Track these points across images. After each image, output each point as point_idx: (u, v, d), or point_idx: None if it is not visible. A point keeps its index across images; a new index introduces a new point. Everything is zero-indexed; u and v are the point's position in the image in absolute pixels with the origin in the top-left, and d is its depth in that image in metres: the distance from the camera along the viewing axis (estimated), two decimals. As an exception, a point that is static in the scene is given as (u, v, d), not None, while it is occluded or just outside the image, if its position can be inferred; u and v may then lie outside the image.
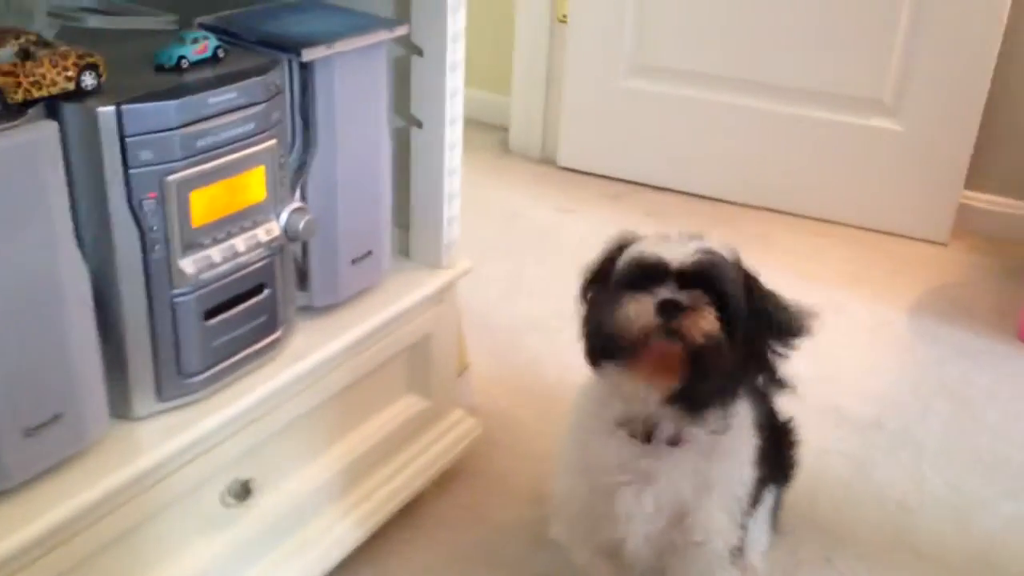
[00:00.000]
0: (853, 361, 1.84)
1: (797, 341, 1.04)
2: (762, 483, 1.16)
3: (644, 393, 1.01)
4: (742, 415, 1.07)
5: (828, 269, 2.19)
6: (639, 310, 0.97)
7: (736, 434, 1.07)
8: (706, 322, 0.95)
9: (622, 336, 0.98)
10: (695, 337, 0.95)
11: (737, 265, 1.03)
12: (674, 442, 1.05)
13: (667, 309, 0.96)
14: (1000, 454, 1.59)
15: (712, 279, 0.98)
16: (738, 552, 1.13)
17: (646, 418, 1.04)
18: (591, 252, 2.14)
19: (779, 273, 2.21)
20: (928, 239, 2.33)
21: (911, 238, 2.34)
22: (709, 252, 1.00)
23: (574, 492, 1.13)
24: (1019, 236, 2.27)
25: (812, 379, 1.74)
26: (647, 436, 1.05)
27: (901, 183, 2.32)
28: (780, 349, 1.03)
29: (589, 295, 1.08)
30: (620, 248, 1.06)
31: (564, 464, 1.16)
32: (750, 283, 1.03)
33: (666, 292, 0.97)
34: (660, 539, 1.09)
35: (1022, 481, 1.53)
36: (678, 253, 0.99)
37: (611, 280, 1.02)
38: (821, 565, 1.35)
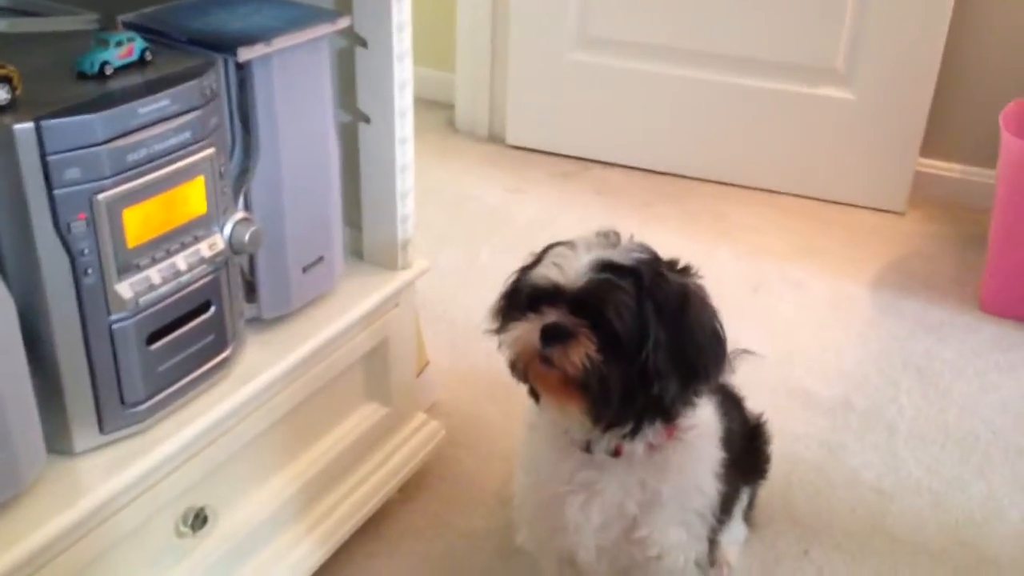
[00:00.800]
0: (815, 339, 1.82)
1: (710, 377, 0.98)
2: (733, 491, 1.13)
3: (557, 412, 0.98)
4: (702, 427, 1.03)
5: (783, 243, 2.16)
6: (522, 335, 0.95)
7: (690, 448, 1.02)
8: (577, 353, 0.92)
9: (511, 361, 0.97)
10: (565, 366, 0.92)
11: (648, 276, 0.94)
12: (616, 454, 1.01)
13: (550, 335, 0.93)
14: (969, 430, 1.58)
15: (599, 303, 0.93)
16: (705, 563, 1.10)
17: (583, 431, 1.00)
18: (543, 234, 2.08)
19: (732, 248, 2.19)
20: (885, 208, 2.31)
21: (868, 208, 2.32)
22: (606, 269, 0.93)
23: (527, 499, 1.10)
24: (977, 203, 2.26)
25: (775, 360, 1.73)
26: (587, 447, 1.01)
27: (856, 152, 2.30)
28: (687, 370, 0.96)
29: (501, 318, 1.03)
30: (539, 257, 1.01)
31: (520, 470, 1.12)
32: (657, 295, 0.94)
33: (553, 316, 0.94)
34: (616, 552, 1.06)
35: (991, 458, 1.52)
36: (572, 273, 0.94)
37: (517, 301, 0.99)
38: (799, 558, 1.32)
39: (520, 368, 0.97)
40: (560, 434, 1.03)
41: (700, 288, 0.98)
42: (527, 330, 0.94)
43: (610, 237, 0.99)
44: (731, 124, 2.40)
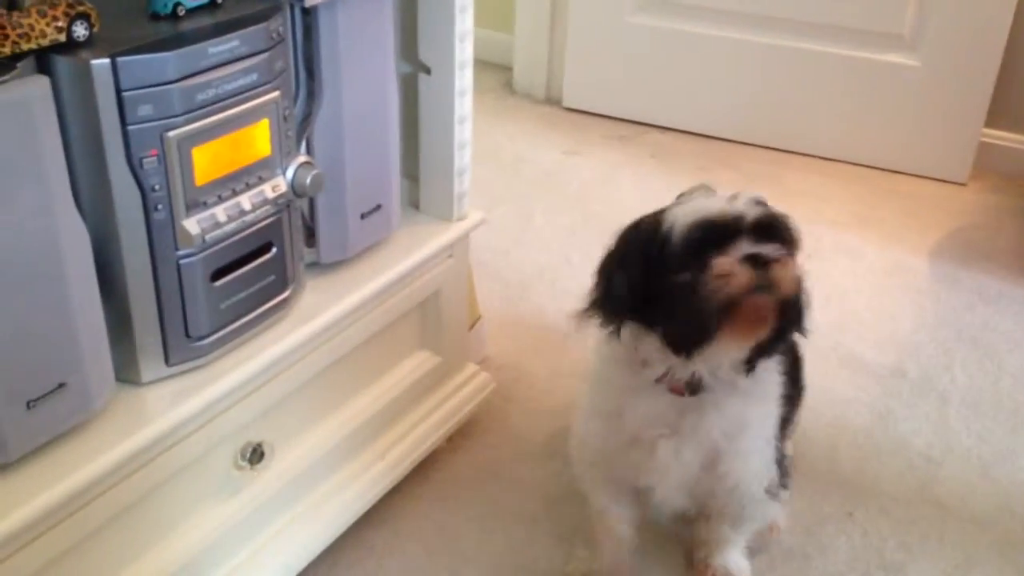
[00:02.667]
0: (870, 307, 1.80)
1: None
2: (787, 414, 1.15)
3: (724, 352, 0.97)
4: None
5: (841, 211, 2.14)
6: (732, 267, 0.93)
7: (764, 375, 1.05)
8: (794, 272, 0.94)
9: (717, 297, 0.92)
10: (788, 288, 0.93)
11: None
12: (710, 391, 1.02)
13: (756, 263, 0.93)
14: (1023, 402, 1.56)
15: (781, 230, 0.96)
16: (776, 489, 1.12)
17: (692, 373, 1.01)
18: (597, 196, 2.08)
19: (789, 214, 2.17)
20: (946, 179, 2.27)
21: (929, 178, 2.29)
22: (764, 203, 0.97)
23: (597, 441, 1.11)
24: (1039, 175, 2.22)
25: (829, 326, 1.72)
26: (693, 389, 1.02)
27: (919, 121, 2.26)
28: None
29: (629, 283, 1.00)
30: (650, 224, 1.00)
31: (589, 412, 1.12)
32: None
33: (747, 247, 0.93)
34: (694, 486, 1.08)
35: (1045, 429, 1.51)
36: (742, 207, 0.95)
37: (661, 255, 0.96)
38: (844, 520, 1.33)
39: (725, 305, 0.92)
40: (648, 383, 1.03)
41: None
42: (735, 263, 0.92)
43: (708, 189, 1.02)
44: (791, 89, 2.37)
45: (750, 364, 1.00)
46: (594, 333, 1.07)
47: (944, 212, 2.15)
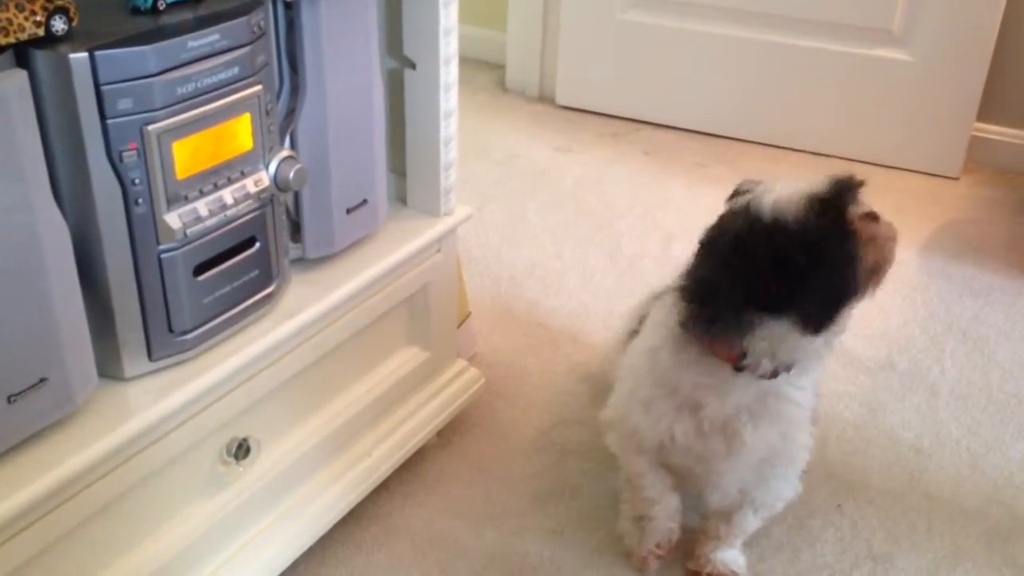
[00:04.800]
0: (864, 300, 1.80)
1: None
2: None
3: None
4: None
5: (835, 206, 2.14)
6: (880, 223, 1.00)
7: (819, 366, 1.10)
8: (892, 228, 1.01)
9: (885, 253, 1.00)
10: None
11: None
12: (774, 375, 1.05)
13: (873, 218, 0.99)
14: (1012, 393, 1.56)
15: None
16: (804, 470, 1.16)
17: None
18: (590, 193, 2.09)
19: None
20: (938, 173, 2.27)
21: (921, 173, 2.29)
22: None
23: (652, 429, 1.11)
24: (1030, 169, 2.22)
25: (821, 320, 1.72)
26: (774, 372, 1.04)
27: (910, 116, 2.26)
28: None
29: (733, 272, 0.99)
30: (743, 211, 1.01)
31: (637, 391, 1.12)
32: None
33: (857, 209, 0.99)
34: (751, 473, 1.12)
35: (1035, 421, 1.51)
36: (836, 179, 1.00)
37: (783, 238, 0.96)
38: (832, 512, 1.33)
39: (882, 261, 1.00)
40: (699, 356, 1.05)
41: None
42: (877, 220, 0.99)
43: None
44: (784, 85, 2.37)
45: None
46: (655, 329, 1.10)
47: (936, 206, 2.15)
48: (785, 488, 1.16)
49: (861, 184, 1.00)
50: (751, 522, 1.19)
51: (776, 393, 1.06)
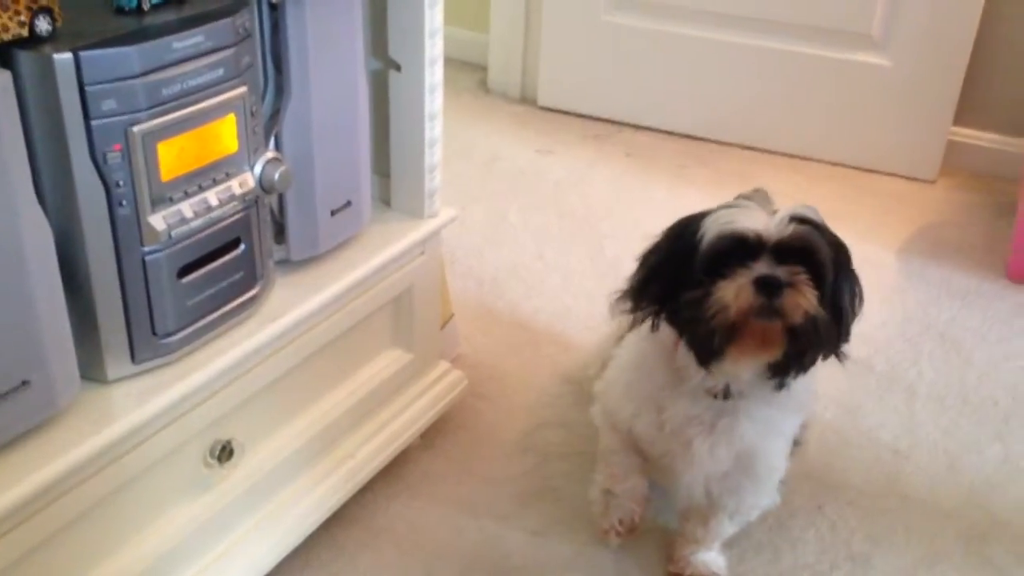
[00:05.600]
0: (841, 303, 1.82)
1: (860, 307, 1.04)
2: None
3: (735, 369, 0.99)
4: None
5: (814, 209, 2.15)
6: (738, 290, 0.93)
7: (801, 387, 1.07)
8: (806, 300, 0.94)
9: (719, 318, 0.94)
10: (795, 317, 0.93)
11: (827, 231, 0.99)
12: (743, 398, 1.05)
13: (766, 286, 0.93)
14: (989, 395, 1.58)
15: (809, 253, 0.95)
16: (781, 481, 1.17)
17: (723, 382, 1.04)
18: (572, 194, 2.10)
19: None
20: (915, 177, 2.30)
21: (898, 176, 2.31)
22: (803, 221, 0.96)
23: (630, 420, 1.13)
24: (1008, 172, 2.24)
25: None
26: (727, 395, 1.05)
27: (888, 120, 2.28)
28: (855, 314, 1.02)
29: (661, 279, 1.02)
30: (690, 224, 1.00)
31: (625, 393, 1.14)
32: (838, 247, 1.00)
33: (763, 268, 0.94)
34: (721, 480, 1.12)
35: (1010, 422, 1.52)
36: (772, 225, 0.95)
37: (692, 258, 0.97)
38: (813, 513, 1.34)
39: (729, 326, 0.94)
40: (682, 378, 1.06)
41: None
42: (743, 286, 0.93)
43: (764, 197, 1.02)
44: (763, 89, 2.39)
45: (777, 381, 1.01)
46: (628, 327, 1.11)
47: (913, 209, 2.18)
48: (758, 499, 1.16)
49: (773, 247, 0.95)
50: (727, 527, 1.20)
51: (735, 413, 1.06)
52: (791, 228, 0.95)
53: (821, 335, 0.96)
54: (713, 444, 1.07)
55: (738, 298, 0.93)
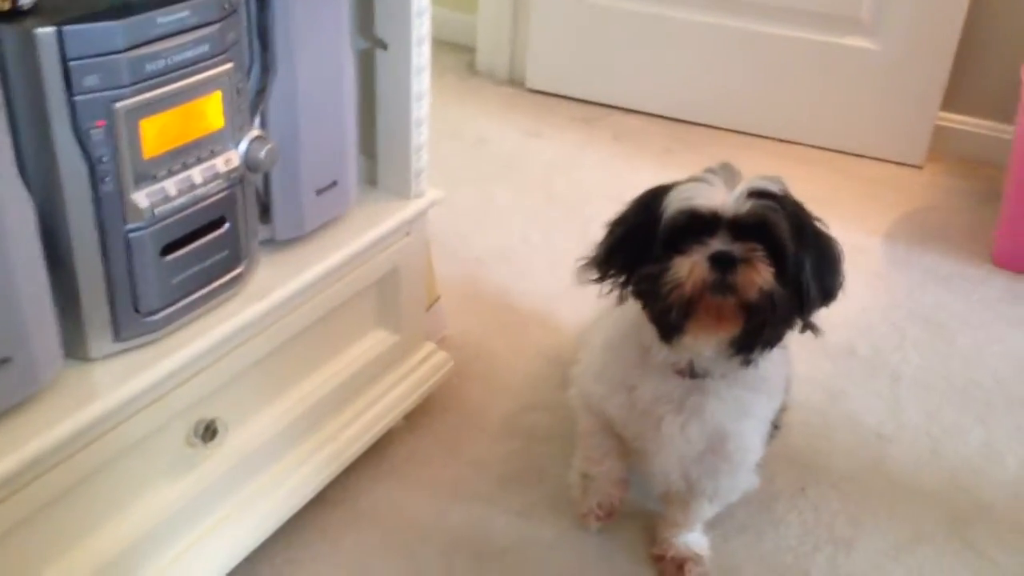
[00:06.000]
0: (827, 287, 1.82)
1: (835, 298, 1.03)
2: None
3: (695, 345, 0.99)
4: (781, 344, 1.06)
5: (800, 193, 2.14)
6: (692, 266, 0.94)
7: (774, 363, 1.07)
8: (760, 277, 0.93)
9: (675, 294, 0.95)
10: (749, 293, 0.93)
11: (790, 203, 0.99)
12: (718, 375, 1.05)
13: (720, 263, 0.93)
14: (972, 379, 1.59)
15: (766, 228, 0.95)
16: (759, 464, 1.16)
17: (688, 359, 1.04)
18: (560, 178, 2.09)
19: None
20: (903, 162, 2.30)
21: (885, 161, 2.31)
22: (762, 195, 0.96)
23: (604, 400, 1.13)
24: (995, 158, 2.25)
25: (786, 306, 1.74)
26: (693, 373, 1.04)
27: (876, 104, 2.29)
28: (824, 291, 1.01)
29: (626, 249, 1.03)
30: (655, 197, 1.01)
31: (599, 373, 1.14)
32: (801, 220, 0.99)
33: (718, 244, 0.94)
34: (695, 462, 1.11)
35: (993, 406, 1.53)
36: (730, 201, 0.95)
37: (655, 231, 0.98)
38: (796, 496, 1.34)
39: (685, 302, 0.95)
40: (655, 362, 1.06)
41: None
42: (698, 262, 0.94)
43: (729, 171, 1.00)
44: (752, 73, 2.38)
45: (741, 358, 1.00)
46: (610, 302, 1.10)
47: (900, 194, 2.18)
48: (734, 482, 1.16)
49: (730, 222, 0.95)
50: (707, 510, 1.20)
51: (704, 391, 1.06)
52: (749, 204, 0.95)
53: (778, 311, 0.95)
54: (683, 423, 1.07)
55: (692, 274, 0.94)
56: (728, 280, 0.93)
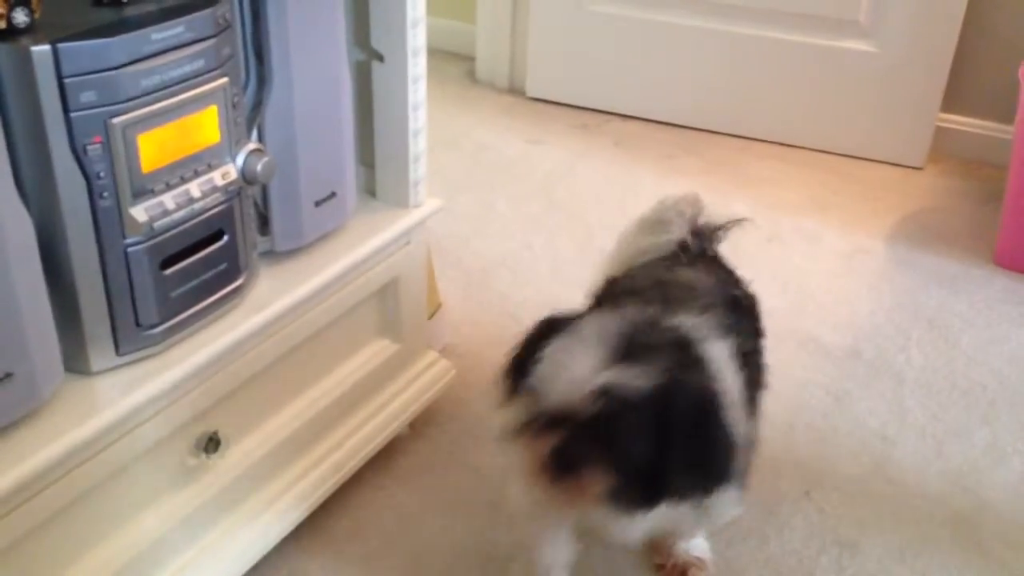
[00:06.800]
0: (828, 290, 1.82)
1: (730, 478, 0.95)
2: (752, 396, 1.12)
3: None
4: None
5: (800, 196, 2.16)
6: (533, 455, 0.90)
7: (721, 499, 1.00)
8: (590, 488, 0.89)
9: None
10: (578, 497, 0.90)
11: (652, 400, 0.88)
12: None
13: (560, 462, 0.88)
14: (977, 380, 1.59)
15: (612, 437, 0.88)
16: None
17: None
18: (561, 185, 2.09)
19: (749, 200, 2.19)
20: (903, 163, 2.30)
21: (886, 163, 2.31)
22: (618, 390, 0.87)
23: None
24: (996, 159, 2.24)
25: (786, 309, 1.74)
26: None
27: (876, 106, 2.29)
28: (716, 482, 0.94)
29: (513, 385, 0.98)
30: (537, 342, 0.95)
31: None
32: (668, 417, 0.89)
33: (559, 437, 0.89)
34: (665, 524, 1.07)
35: (997, 407, 1.53)
36: (579, 391, 0.87)
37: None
38: (800, 499, 1.34)
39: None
40: None
41: (715, 393, 0.93)
42: (534, 457, 0.89)
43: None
44: (751, 77, 2.39)
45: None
46: None
47: (901, 196, 2.18)
48: (711, 527, 1.11)
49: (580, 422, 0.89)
50: (697, 535, 1.19)
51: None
52: (599, 404, 0.87)
53: (625, 496, 0.90)
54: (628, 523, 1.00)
55: (531, 461, 0.90)
56: (557, 483, 0.89)
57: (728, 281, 1.22)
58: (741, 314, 1.16)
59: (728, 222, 1.26)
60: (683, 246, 1.21)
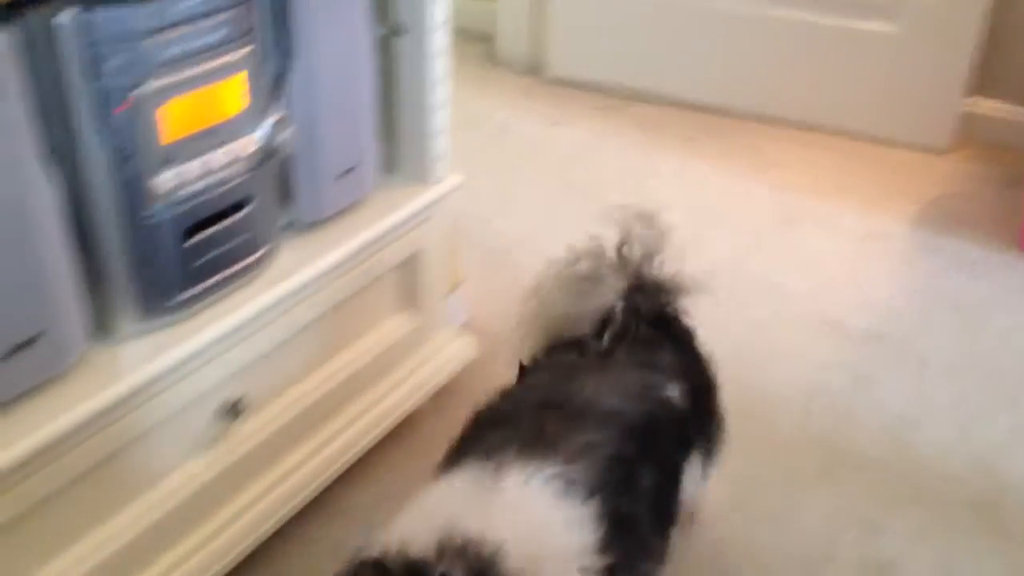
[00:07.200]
0: (850, 273, 1.81)
1: None
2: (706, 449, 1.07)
3: None
4: None
5: (822, 180, 2.15)
6: None
7: None
8: None
9: None
10: None
11: None
12: None
13: None
14: (1000, 364, 1.57)
15: None
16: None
17: None
18: (580, 166, 2.09)
19: (770, 183, 2.18)
20: (927, 147, 2.28)
21: (910, 147, 2.29)
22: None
23: None
24: (1022, 143, 2.22)
25: (808, 292, 1.73)
26: None
27: (900, 89, 2.26)
28: None
29: None
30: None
31: None
32: None
33: None
34: None
35: (1021, 391, 1.52)
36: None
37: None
38: (820, 477, 1.34)
39: None
40: None
41: None
42: None
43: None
44: (773, 59, 2.37)
45: None
46: None
47: (924, 180, 2.16)
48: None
49: None
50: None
51: None
52: None
53: None
54: None
55: None
56: None
57: (668, 371, 1.00)
58: (658, 431, 0.96)
59: (684, 280, 1.00)
60: (611, 316, 0.98)
